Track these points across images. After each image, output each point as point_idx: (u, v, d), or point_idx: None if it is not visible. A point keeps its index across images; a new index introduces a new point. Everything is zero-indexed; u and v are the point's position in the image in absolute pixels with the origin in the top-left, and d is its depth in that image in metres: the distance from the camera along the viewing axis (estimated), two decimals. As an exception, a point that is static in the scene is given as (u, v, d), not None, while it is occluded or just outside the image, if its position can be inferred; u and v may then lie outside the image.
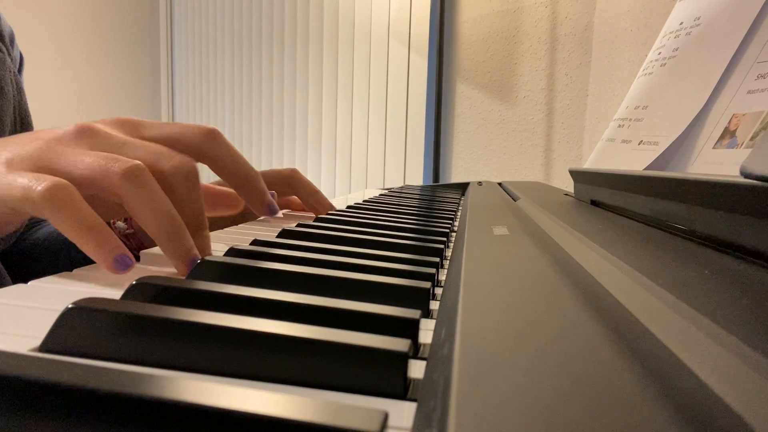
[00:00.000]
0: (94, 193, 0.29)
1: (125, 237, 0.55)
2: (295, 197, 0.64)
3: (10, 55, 0.58)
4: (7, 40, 0.58)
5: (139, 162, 0.29)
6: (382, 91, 1.85)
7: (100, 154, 0.29)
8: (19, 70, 0.62)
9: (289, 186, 0.58)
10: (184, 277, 0.28)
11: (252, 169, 0.37)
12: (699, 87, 0.43)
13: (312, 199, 0.58)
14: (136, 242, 0.55)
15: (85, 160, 0.28)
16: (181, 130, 0.35)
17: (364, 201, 0.74)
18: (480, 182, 1.03)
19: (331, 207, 0.59)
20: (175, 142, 0.34)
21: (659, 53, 0.53)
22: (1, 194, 0.27)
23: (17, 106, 0.57)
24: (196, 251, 0.29)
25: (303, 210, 0.67)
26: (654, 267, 0.21)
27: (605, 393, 0.11)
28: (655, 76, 0.52)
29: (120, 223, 0.55)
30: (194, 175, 0.31)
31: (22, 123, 0.58)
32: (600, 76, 1.31)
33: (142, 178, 0.29)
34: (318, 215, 0.57)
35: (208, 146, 0.35)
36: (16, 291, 0.25)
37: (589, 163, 0.59)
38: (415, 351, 0.19)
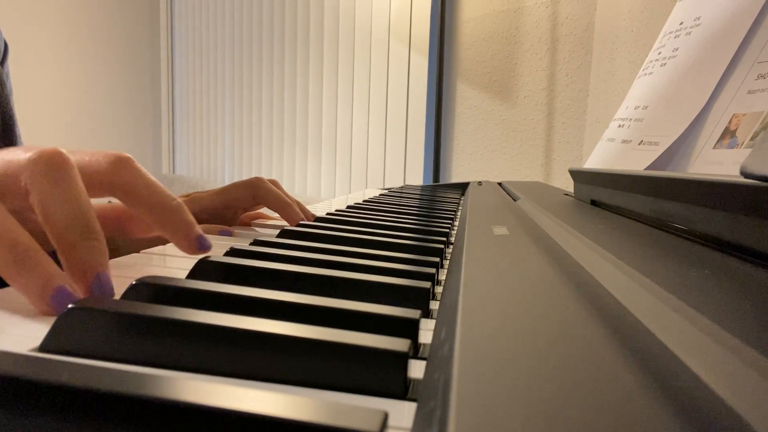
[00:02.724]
0: None
1: None
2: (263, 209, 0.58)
3: None
4: None
5: None
6: (382, 91, 1.85)
7: None
8: (3, 61, 0.59)
9: (255, 199, 0.51)
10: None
11: (174, 198, 0.29)
12: (699, 87, 0.43)
13: (283, 212, 0.50)
14: None
15: None
16: (84, 158, 0.28)
17: (364, 201, 0.74)
18: (480, 182, 1.03)
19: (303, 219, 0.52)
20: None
21: (659, 53, 0.53)
22: None
23: None
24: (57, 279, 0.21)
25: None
26: (654, 267, 0.21)
27: (605, 393, 0.11)
28: (656, 76, 0.52)
29: None
30: (61, 164, 0.24)
31: (3, 116, 0.54)
32: (600, 76, 1.31)
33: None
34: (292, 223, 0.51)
35: (118, 175, 0.28)
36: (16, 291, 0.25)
37: (589, 163, 0.59)
38: (415, 351, 0.19)
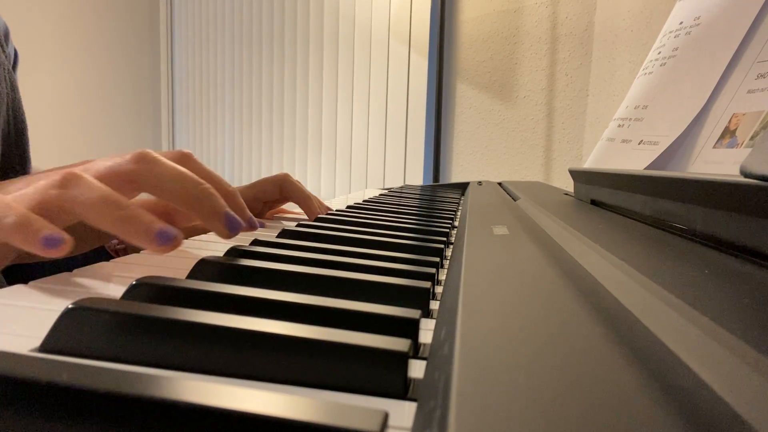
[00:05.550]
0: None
1: (115, 252, 0.54)
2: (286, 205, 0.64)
3: (4, 51, 0.57)
4: (1, 36, 0.57)
5: (141, 151, 0.30)
6: (382, 91, 1.85)
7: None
8: (14, 67, 0.61)
9: (282, 192, 0.57)
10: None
11: (200, 183, 0.30)
12: (699, 86, 0.43)
13: (304, 205, 0.57)
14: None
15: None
16: (107, 163, 0.30)
17: (364, 201, 0.74)
18: (480, 182, 1.03)
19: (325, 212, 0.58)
20: (111, 177, 0.29)
21: (659, 53, 0.53)
22: None
23: (10, 104, 0.56)
24: (229, 210, 0.30)
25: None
26: (654, 266, 0.21)
27: (605, 392, 0.11)
28: (655, 76, 0.52)
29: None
30: (150, 155, 0.31)
31: (15, 121, 0.57)
32: (600, 76, 1.31)
33: (150, 156, 0.29)
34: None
35: (141, 170, 0.30)
36: (17, 291, 0.25)
37: (589, 163, 0.59)
38: (416, 351, 0.19)
